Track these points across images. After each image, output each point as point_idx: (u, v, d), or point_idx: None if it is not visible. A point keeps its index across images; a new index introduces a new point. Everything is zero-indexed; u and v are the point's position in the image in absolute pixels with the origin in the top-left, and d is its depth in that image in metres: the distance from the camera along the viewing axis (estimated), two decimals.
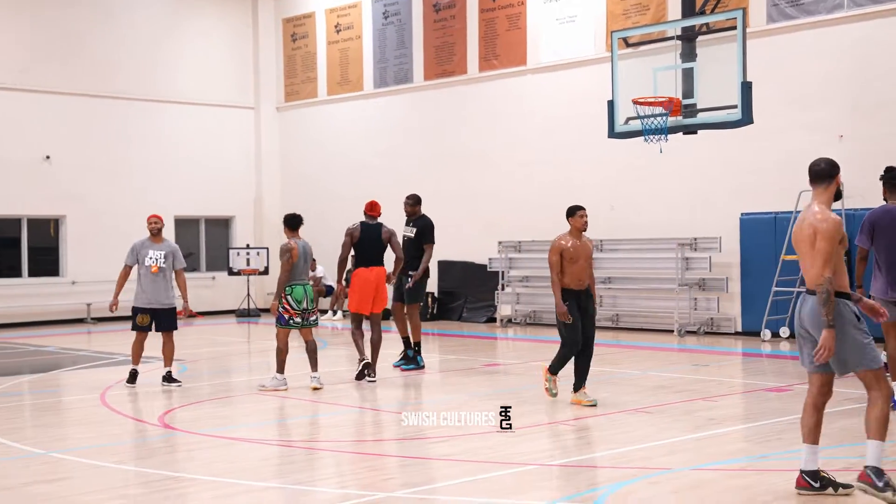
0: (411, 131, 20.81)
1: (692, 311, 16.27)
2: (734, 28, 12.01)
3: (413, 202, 12.51)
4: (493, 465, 6.91)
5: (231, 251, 22.08)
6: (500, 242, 18.70)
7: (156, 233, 10.67)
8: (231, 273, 21.87)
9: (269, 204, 23.44)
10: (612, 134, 13.20)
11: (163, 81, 22.04)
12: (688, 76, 12.44)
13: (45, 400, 10.34)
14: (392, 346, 12.65)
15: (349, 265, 11.80)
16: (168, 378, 10.76)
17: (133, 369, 10.77)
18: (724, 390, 10.40)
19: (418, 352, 12.26)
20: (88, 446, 7.91)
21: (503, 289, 18.66)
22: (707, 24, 12.72)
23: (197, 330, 19.13)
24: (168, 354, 10.79)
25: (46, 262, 20.63)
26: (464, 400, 10.05)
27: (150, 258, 10.52)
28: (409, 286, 12.07)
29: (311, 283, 10.78)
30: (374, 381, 11.10)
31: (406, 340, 12.37)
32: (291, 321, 10.46)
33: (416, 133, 20.72)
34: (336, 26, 22.19)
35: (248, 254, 21.91)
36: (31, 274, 20.28)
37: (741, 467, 6.82)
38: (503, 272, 18.62)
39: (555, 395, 9.43)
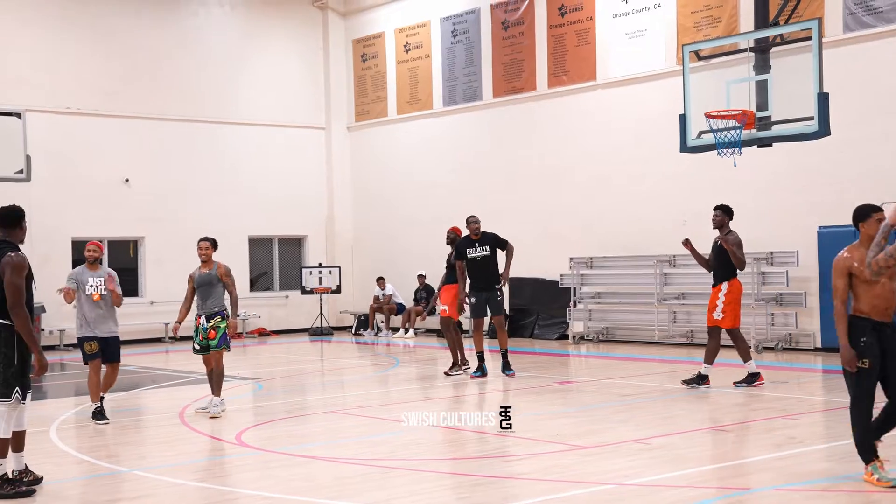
0: (481, 149, 20.85)
1: (769, 326, 15.96)
2: (809, 38, 11.78)
3: (478, 220, 13.17)
4: (568, 485, 6.85)
5: (304, 270, 22.34)
6: (571, 259, 18.60)
7: (92, 261, 10.16)
8: (304, 292, 22.12)
9: (341, 223, 23.69)
10: (685, 148, 13.03)
11: (237, 104, 22.46)
12: (762, 88, 12.23)
13: (126, 418, 10.57)
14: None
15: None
16: (101, 414, 10.11)
17: (99, 408, 10.10)
18: (805, 408, 10.17)
19: (506, 360, 13.06)
20: (169, 464, 8.06)
21: (575, 305, 18.55)
22: (781, 35, 12.51)
23: (270, 348, 19.39)
24: (107, 386, 10.34)
25: (126, 282, 20.94)
26: (536, 417, 10.00)
27: (91, 286, 10.03)
28: (500, 296, 13.08)
29: None
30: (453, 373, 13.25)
31: (481, 356, 13.02)
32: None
33: (486, 150, 20.75)
34: (405, 45, 22.38)
35: (320, 272, 22.14)
36: None
37: (824, 488, 6.65)
38: (575, 289, 18.51)
39: (893, 484, 6.45)
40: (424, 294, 20.59)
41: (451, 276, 13.49)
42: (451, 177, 21.30)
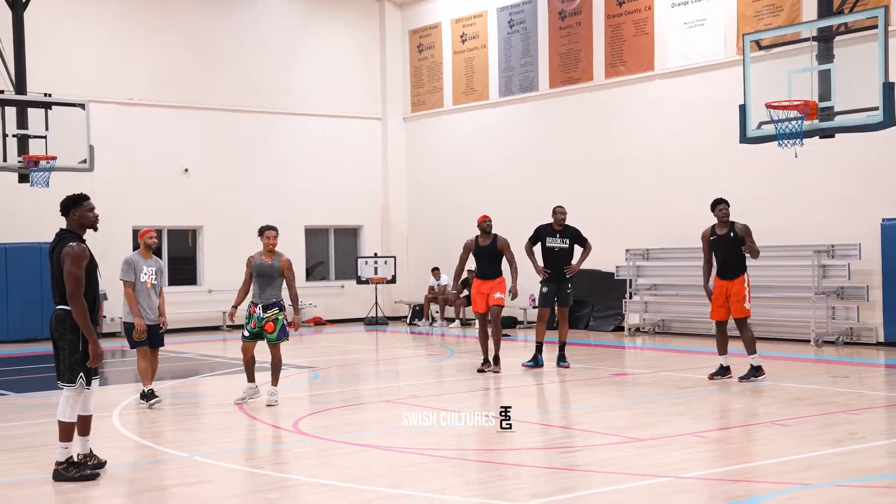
0: (537, 139, 20.78)
1: (830, 320, 15.70)
2: (875, 27, 11.53)
3: (565, 211, 13.17)
4: (624, 477, 6.82)
5: (359, 260, 22.48)
6: (627, 250, 18.47)
7: (155, 249, 10.52)
8: (359, 282, 22.26)
9: (396, 213, 23.78)
10: (745, 139, 12.86)
11: (293, 94, 22.65)
12: (824, 78, 12.01)
13: (185, 405, 10.75)
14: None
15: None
16: (153, 394, 10.40)
17: (150, 389, 10.39)
18: (866, 403, 10.00)
19: (562, 353, 13.21)
20: (227, 451, 8.19)
21: (631, 297, 18.42)
22: (845, 24, 12.26)
23: (326, 338, 19.56)
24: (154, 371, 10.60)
25: (185, 271, 21.45)
26: (592, 409, 9.96)
27: (146, 274, 10.31)
28: (569, 288, 13.03)
29: None
30: (497, 372, 12.58)
31: (539, 346, 13.05)
32: None
33: (542, 141, 20.67)
34: (462, 36, 22.36)
35: (375, 262, 22.26)
36: (172, 283, 21.08)
37: (887, 484, 6.54)
38: (631, 280, 18.38)
39: None
40: None
41: (489, 269, 12.80)
42: (506, 167, 21.26)
